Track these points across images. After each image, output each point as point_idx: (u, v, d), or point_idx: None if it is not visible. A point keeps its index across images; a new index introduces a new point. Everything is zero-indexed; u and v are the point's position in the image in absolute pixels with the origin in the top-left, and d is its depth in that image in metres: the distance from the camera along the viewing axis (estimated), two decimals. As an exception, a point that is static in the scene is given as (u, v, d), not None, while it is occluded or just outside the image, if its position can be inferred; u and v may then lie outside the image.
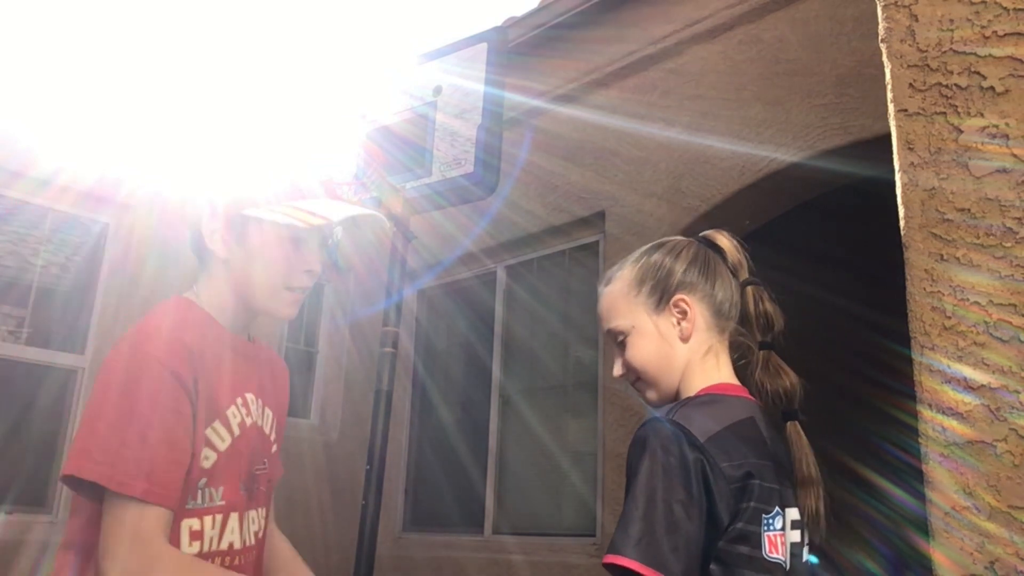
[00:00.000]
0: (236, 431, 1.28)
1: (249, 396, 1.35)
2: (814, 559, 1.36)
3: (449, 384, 5.35)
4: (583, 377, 4.45)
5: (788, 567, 1.11)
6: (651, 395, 1.29)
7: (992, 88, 1.03)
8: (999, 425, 0.95)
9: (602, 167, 4.41)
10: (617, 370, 1.32)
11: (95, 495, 1.14)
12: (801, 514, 1.18)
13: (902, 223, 1.08)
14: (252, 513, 1.33)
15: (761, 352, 1.28)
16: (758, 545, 1.08)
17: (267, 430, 1.40)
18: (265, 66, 4.86)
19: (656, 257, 1.33)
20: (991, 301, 0.99)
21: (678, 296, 1.27)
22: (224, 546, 1.25)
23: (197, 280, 1.39)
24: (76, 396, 4.43)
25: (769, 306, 1.29)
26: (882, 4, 1.15)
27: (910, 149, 1.09)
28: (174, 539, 1.17)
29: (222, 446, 1.25)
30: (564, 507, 4.47)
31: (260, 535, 1.36)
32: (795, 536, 1.14)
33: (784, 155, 3.68)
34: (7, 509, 4.11)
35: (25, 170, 4.30)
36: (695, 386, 1.24)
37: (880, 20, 1.16)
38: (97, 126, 4.48)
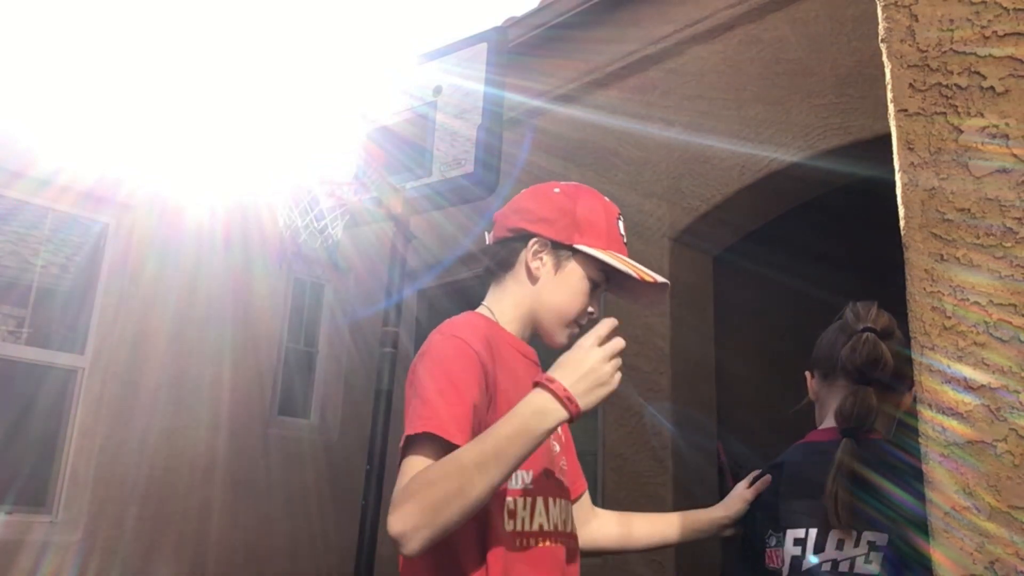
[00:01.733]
0: None
1: None
2: (814, 559, 1.38)
3: (449, 384, 5.34)
4: (583, 377, 4.44)
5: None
6: None
7: (992, 88, 1.03)
8: (999, 425, 0.95)
9: (602, 167, 4.41)
10: None
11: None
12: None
13: (902, 223, 1.08)
14: (561, 501, 1.42)
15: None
16: (761, 556, 1.51)
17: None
18: (265, 66, 4.86)
19: None
20: (991, 301, 0.99)
21: (808, 372, 1.70)
22: (535, 527, 1.34)
23: (493, 289, 1.56)
24: (76, 396, 4.43)
25: (854, 352, 1.57)
26: (882, 4, 1.15)
27: (910, 149, 1.09)
28: (495, 516, 1.27)
29: None
30: (564, 507, 4.46)
31: (571, 527, 1.45)
32: (795, 551, 1.44)
33: (784, 155, 3.68)
34: (7, 509, 4.11)
35: (25, 170, 4.30)
36: None
37: (880, 20, 1.16)
38: (97, 126, 4.48)
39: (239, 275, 4.96)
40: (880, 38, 1.16)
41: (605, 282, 1.52)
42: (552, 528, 1.37)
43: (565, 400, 1.17)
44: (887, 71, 1.14)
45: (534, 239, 1.49)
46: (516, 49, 4.42)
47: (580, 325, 1.52)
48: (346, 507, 5.07)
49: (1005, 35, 1.03)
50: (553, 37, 4.70)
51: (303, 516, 5.10)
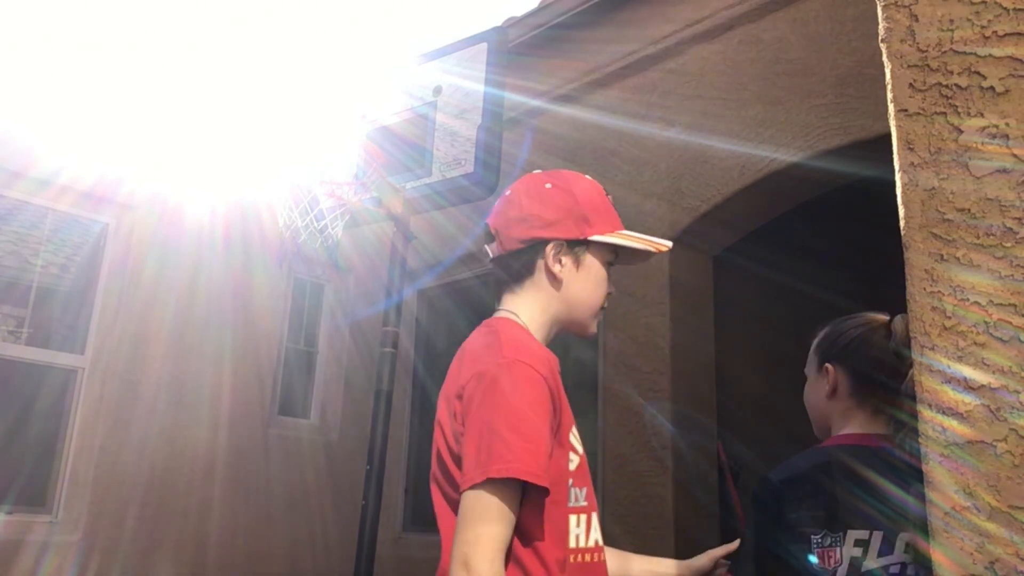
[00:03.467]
0: (580, 440, 1.45)
1: None
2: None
3: (449, 384, 5.34)
4: (583, 377, 4.45)
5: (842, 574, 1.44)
6: (814, 428, 1.69)
7: (992, 88, 1.03)
8: (999, 425, 0.95)
9: (602, 167, 4.41)
10: None
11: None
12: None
13: (902, 223, 1.08)
14: (597, 517, 1.45)
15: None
16: (803, 556, 1.46)
17: None
18: (265, 66, 4.86)
19: (828, 330, 1.69)
20: (991, 301, 0.99)
21: (827, 364, 1.63)
22: (591, 543, 1.39)
23: (511, 298, 1.51)
24: (76, 396, 4.43)
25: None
26: (882, 4, 1.15)
27: (910, 149, 1.09)
28: (562, 533, 1.33)
29: (580, 450, 1.42)
30: (564, 507, 4.46)
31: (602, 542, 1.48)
32: (856, 552, 1.44)
33: (784, 155, 3.68)
34: (7, 509, 4.11)
35: (25, 170, 4.30)
36: (833, 435, 1.60)
37: (880, 20, 1.16)
38: (97, 126, 4.48)
39: (239, 275, 4.96)
40: (880, 38, 1.16)
41: (616, 259, 1.56)
42: (596, 544, 1.41)
43: None
44: (887, 71, 1.14)
45: (550, 244, 1.47)
46: (516, 49, 4.42)
47: (605, 308, 1.56)
48: (346, 507, 5.07)
49: (1005, 35, 1.03)
50: (553, 37, 4.70)
51: (303, 516, 5.10)
